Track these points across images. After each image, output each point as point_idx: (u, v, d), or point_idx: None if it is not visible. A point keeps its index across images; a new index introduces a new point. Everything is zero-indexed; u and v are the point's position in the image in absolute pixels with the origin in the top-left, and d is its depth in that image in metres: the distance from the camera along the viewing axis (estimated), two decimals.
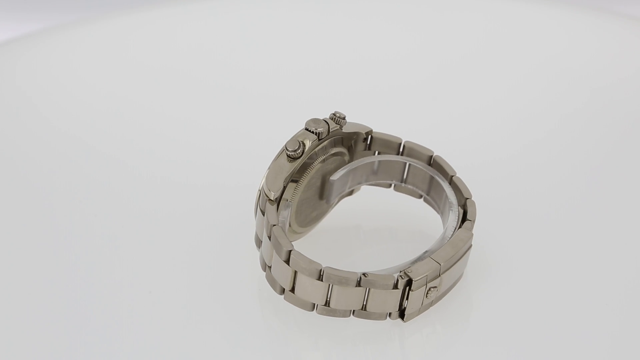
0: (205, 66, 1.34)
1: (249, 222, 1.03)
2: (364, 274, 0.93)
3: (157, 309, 0.98)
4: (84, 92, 1.28)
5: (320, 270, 0.93)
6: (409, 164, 1.05)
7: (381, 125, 1.06)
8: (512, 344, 0.95)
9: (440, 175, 1.03)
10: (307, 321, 0.99)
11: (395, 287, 0.94)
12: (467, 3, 1.44)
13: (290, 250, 0.94)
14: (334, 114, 1.02)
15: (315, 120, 1.00)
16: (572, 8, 1.42)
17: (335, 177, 1.04)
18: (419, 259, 0.96)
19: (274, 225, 0.96)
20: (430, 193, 1.05)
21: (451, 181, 1.03)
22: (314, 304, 0.96)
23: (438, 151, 1.04)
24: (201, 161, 1.18)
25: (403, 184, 1.07)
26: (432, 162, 1.05)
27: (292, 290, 0.96)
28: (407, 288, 0.94)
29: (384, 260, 1.03)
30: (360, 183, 1.08)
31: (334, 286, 0.93)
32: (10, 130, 1.21)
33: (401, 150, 1.06)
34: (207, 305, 1.00)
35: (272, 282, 0.98)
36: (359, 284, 0.93)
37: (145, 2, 1.47)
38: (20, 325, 0.94)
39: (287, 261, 0.95)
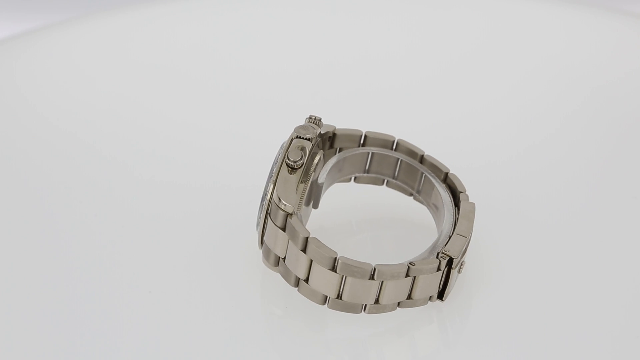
0: (205, 65, 1.34)
1: (248, 222, 1.03)
2: (411, 263, 0.96)
3: (157, 309, 0.96)
4: (83, 90, 1.27)
5: (372, 269, 0.94)
6: (372, 153, 1.08)
7: (381, 126, 1.08)
8: (511, 344, 0.97)
9: (410, 158, 1.08)
10: (313, 320, 1.00)
11: (439, 269, 0.97)
12: (466, 2, 1.47)
13: (336, 257, 0.94)
14: (309, 118, 1.02)
15: (303, 127, 1.00)
16: (571, 5, 1.47)
17: (321, 179, 1.04)
18: (443, 239, 1.00)
19: (308, 237, 0.94)
20: (399, 176, 1.09)
21: (423, 160, 1.08)
22: (364, 305, 0.97)
23: (438, 152, 1.08)
24: (200, 161, 1.18)
25: (365, 174, 1.10)
26: (396, 146, 1.08)
27: (339, 296, 0.96)
28: (447, 268, 0.98)
29: (361, 253, 1.06)
30: (332, 183, 1.09)
31: (385, 282, 0.95)
32: (9, 129, 1.21)
33: (362, 141, 1.08)
34: (208, 304, 0.99)
35: (311, 294, 0.97)
36: (407, 274, 0.96)
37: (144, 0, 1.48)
38: (21, 325, 0.93)
39: (334, 268, 0.94)
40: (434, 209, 1.07)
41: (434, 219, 1.07)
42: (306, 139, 0.99)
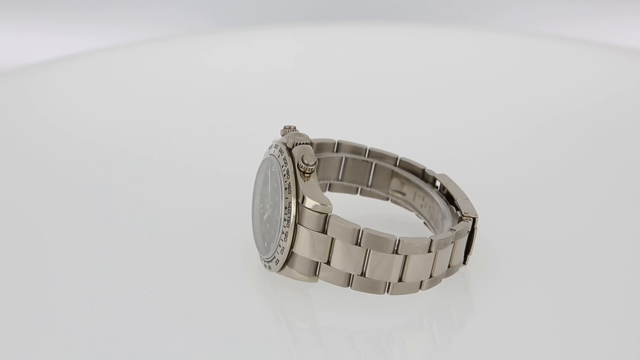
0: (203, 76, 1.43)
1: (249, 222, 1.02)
2: (451, 229, 0.97)
3: (157, 309, 0.95)
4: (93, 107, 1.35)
5: (430, 241, 0.95)
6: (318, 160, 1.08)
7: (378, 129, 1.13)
8: (511, 338, 0.96)
9: (354, 154, 1.09)
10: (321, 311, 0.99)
11: (467, 231, 1.00)
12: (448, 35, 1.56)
13: (397, 239, 0.94)
14: (285, 128, 1.00)
15: (297, 134, 0.97)
16: (546, 39, 1.57)
17: None
18: (445, 209, 1.04)
19: (360, 228, 0.93)
20: (344, 176, 1.09)
21: (369, 153, 1.09)
22: (420, 282, 0.97)
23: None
24: (200, 166, 1.21)
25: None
26: (338, 147, 1.09)
27: (400, 279, 0.95)
28: (471, 229, 1.00)
29: None
30: None
31: (438, 252, 0.96)
32: (19, 133, 1.27)
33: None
34: (210, 304, 0.96)
35: (369, 286, 0.95)
36: (452, 242, 0.97)
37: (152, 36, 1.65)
38: (19, 325, 0.92)
39: (396, 250, 0.94)
40: (398, 195, 1.09)
41: (403, 205, 1.08)
42: (305, 143, 0.96)
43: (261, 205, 1.00)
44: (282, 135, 0.98)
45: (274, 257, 0.96)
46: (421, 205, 1.07)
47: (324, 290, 0.97)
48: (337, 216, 0.93)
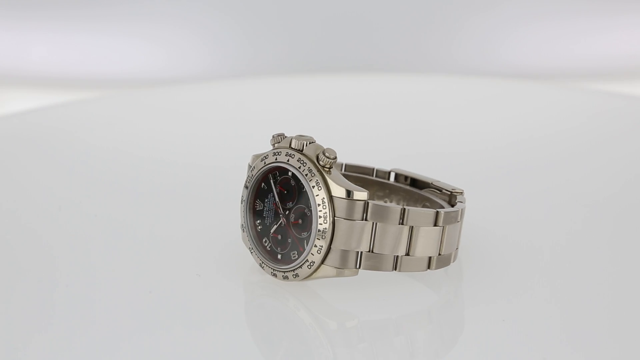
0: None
1: None
2: (459, 201, 0.98)
3: (157, 309, 0.91)
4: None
5: (460, 210, 0.94)
6: None
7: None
8: (507, 339, 0.90)
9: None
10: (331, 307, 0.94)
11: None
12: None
13: (437, 210, 0.92)
14: (274, 137, 0.96)
15: (300, 136, 0.93)
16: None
17: None
18: (429, 193, 1.03)
19: (403, 207, 0.90)
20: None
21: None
22: (452, 254, 0.95)
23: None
24: (201, 166, 1.25)
25: None
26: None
27: (440, 253, 0.94)
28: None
29: None
30: None
31: (461, 222, 0.95)
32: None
33: None
34: (210, 303, 0.92)
35: (415, 265, 0.91)
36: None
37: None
38: (18, 325, 0.89)
39: (436, 222, 0.92)
40: None
41: None
42: (313, 142, 0.92)
43: (259, 222, 0.93)
44: (274, 144, 0.92)
45: (306, 260, 0.89)
46: (385, 202, 1.05)
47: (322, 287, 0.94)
48: (374, 201, 0.90)
